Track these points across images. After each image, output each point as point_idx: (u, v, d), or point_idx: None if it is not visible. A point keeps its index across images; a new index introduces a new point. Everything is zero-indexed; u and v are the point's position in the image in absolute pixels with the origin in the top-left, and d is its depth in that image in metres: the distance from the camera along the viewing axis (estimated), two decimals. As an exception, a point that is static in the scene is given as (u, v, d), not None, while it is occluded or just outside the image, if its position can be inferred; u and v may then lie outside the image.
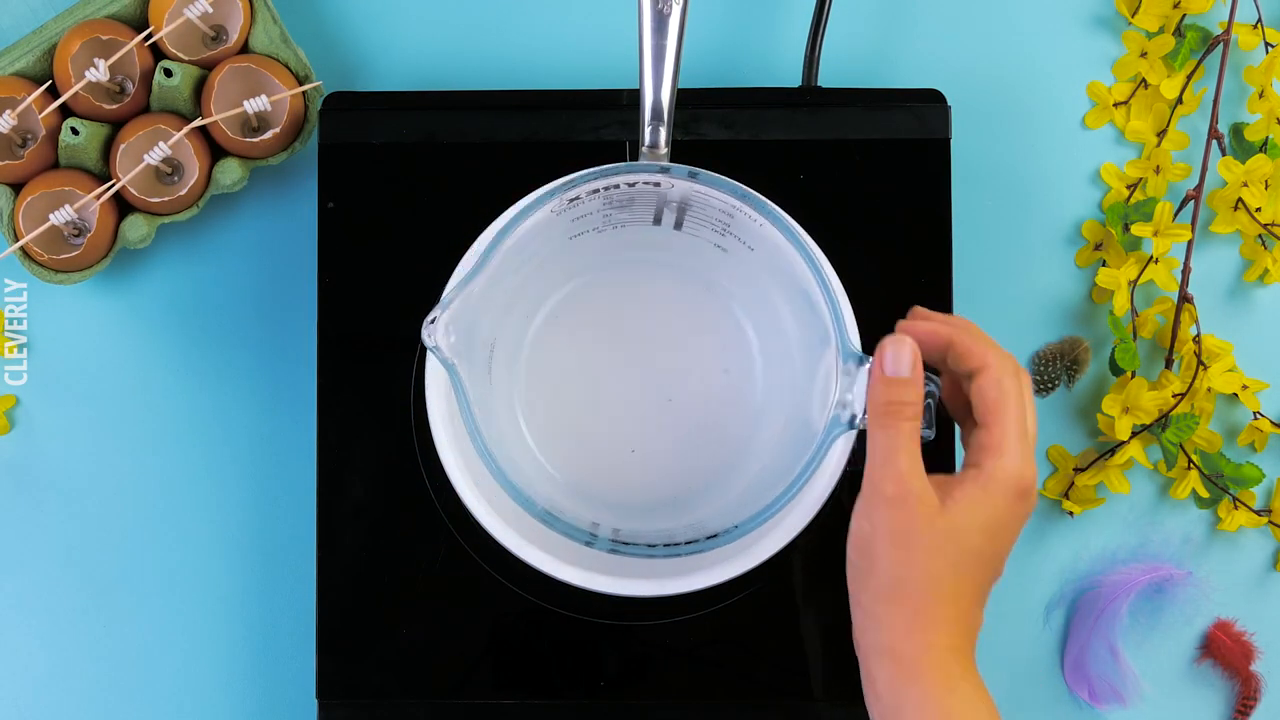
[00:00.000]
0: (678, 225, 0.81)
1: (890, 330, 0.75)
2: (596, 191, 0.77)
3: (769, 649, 0.84)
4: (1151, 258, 0.88)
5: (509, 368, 0.83)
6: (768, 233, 0.77)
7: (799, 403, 0.81)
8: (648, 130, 0.78)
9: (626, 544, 0.76)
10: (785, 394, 0.83)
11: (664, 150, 0.78)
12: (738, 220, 0.79)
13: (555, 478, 0.83)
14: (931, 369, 0.75)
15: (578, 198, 0.77)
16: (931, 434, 0.75)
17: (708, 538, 0.76)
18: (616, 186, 0.77)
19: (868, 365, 0.74)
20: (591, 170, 0.76)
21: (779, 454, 0.81)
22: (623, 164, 0.77)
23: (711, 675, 0.84)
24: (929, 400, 0.74)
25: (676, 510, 0.83)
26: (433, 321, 0.73)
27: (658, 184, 0.77)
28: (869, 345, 0.78)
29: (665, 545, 0.76)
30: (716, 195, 0.77)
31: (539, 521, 0.75)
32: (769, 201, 0.77)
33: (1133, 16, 0.90)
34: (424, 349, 0.79)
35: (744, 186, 0.77)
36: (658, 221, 0.81)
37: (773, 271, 0.80)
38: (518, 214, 0.76)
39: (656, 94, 0.78)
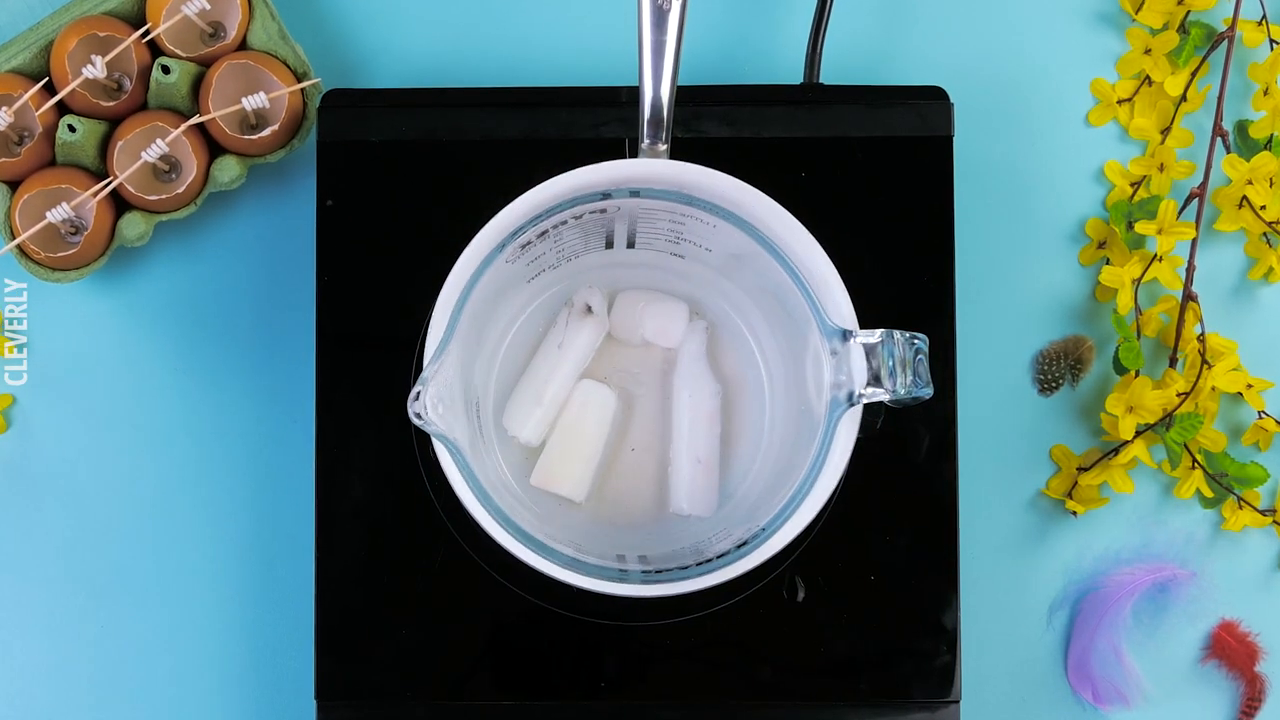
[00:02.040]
0: (630, 244, 0.81)
1: (896, 327, 0.74)
2: (545, 233, 0.77)
3: (770, 650, 0.84)
4: (1155, 256, 0.87)
5: (497, 419, 0.83)
6: (722, 230, 0.77)
7: (794, 389, 0.81)
8: (647, 127, 0.78)
9: (660, 571, 0.76)
10: (778, 382, 0.83)
11: (664, 147, 0.78)
12: (689, 225, 0.78)
13: (567, 509, 0.84)
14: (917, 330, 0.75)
15: (529, 242, 0.77)
16: (930, 391, 0.74)
17: (738, 546, 0.76)
18: (565, 223, 0.77)
19: (855, 339, 0.74)
20: (534, 206, 0.76)
21: (782, 442, 0.81)
22: (566, 189, 0.76)
23: (713, 676, 0.84)
24: (920, 357, 0.74)
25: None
26: (417, 398, 0.71)
27: (604, 210, 0.77)
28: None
29: (698, 564, 0.76)
30: (663, 206, 0.76)
31: (565, 569, 0.75)
32: (723, 181, 0.76)
33: (1136, 13, 0.89)
34: (424, 348, 0.78)
35: (689, 191, 0.76)
36: (610, 245, 0.81)
37: (734, 267, 0.80)
38: (473, 274, 0.75)
39: (656, 90, 0.77)
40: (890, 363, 0.73)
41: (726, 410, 0.83)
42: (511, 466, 0.83)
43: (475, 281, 0.75)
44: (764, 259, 0.76)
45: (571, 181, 0.77)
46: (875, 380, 0.74)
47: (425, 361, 0.75)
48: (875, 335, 0.74)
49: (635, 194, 0.76)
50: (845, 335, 0.74)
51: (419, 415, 0.71)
